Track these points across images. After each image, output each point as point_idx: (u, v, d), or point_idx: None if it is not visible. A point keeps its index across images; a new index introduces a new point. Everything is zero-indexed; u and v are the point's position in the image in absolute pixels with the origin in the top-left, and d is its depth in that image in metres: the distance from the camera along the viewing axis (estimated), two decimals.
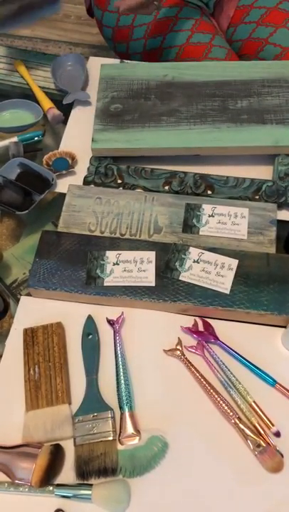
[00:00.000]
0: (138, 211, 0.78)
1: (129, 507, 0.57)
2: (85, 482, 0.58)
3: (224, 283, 0.69)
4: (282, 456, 0.60)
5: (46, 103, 0.93)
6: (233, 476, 0.59)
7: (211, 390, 0.63)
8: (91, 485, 0.57)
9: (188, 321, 0.69)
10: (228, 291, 0.68)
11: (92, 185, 0.82)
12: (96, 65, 0.96)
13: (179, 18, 1.01)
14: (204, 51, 0.99)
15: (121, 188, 0.81)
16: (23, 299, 0.72)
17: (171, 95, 0.86)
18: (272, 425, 0.61)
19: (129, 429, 0.61)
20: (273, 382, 0.64)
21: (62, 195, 0.81)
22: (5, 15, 0.69)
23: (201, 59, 0.99)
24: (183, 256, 0.72)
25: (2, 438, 0.61)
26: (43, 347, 0.66)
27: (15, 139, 0.86)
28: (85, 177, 0.83)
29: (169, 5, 1.02)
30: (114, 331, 0.68)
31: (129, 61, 0.97)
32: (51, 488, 0.58)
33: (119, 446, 0.61)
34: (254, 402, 0.63)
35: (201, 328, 0.69)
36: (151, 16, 1.01)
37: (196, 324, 0.69)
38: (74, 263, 0.72)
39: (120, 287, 0.70)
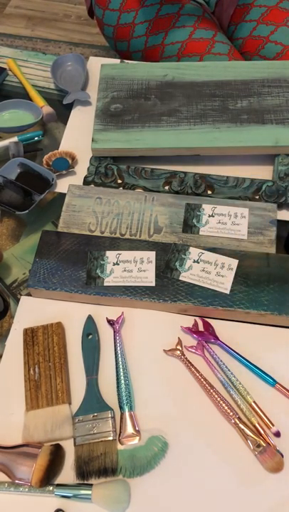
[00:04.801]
0: (138, 211, 0.78)
1: (129, 507, 0.57)
2: (85, 482, 0.58)
3: (224, 283, 0.69)
4: (282, 456, 0.60)
5: (39, 101, 0.93)
6: (233, 476, 0.59)
7: (211, 390, 0.63)
8: (91, 485, 0.57)
9: (188, 321, 0.69)
10: (228, 291, 0.68)
11: (92, 185, 0.82)
12: (96, 65, 0.96)
13: (181, 14, 1.01)
14: (207, 46, 0.99)
15: (121, 188, 0.81)
16: (23, 299, 0.72)
17: (171, 95, 0.86)
18: (272, 425, 0.61)
19: (129, 429, 0.61)
20: (273, 382, 0.64)
21: (62, 195, 0.81)
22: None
23: (204, 54, 0.99)
24: (183, 256, 0.72)
25: (2, 438, 0.61)
26: (43, 347, 0.66)
27: (15, 139, 0.86)
28: (85, 177, 0.83)
29: (171, 2, 1.02)
30: (114, 331, 0.68)
31: (129, 61, 0.97)
32: (51, 488, 0.58)
33: (119, 446, 0.61)
34: (254, 402, 0.63)
35: (201, 328, 0.69)
36: (152, 13, 1.01)
37: (196, 324, 0.69)
38: (74, 263, 0.72)
39: (120, 287, 0.70)
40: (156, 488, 0.58)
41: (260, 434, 0.61)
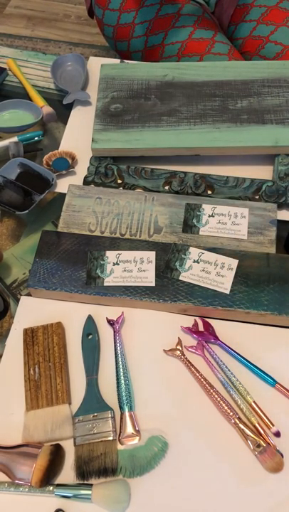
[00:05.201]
0: (138, 211, 0.78)
1: (129, 507, 0.57)
2: (85, 482, 0.58)
3: (224, 283, 0.69)
4: (282, 456, 0.60)
5: (39, 101, 0.93)
6: (233, 476, 0.59)
7: (211, 390, 0.63)
8: (91, 485, 0.57)
9: (188, 321, 0.69)
10: (228, 291, 0.68)
11: (92, 185, 0.82)
12: (96, 65, 0.96)
13: (181, 14, 1.01)
14: (207, 46, 0.99)
15: (121, 188, 0.81)
16: (23, 299, 0.72)
17: (171, 95, 0.86)
18: (272, 425, 0.61)
19: (129, 429, 0.61)
20: (273, 382, 0.64)
21: (63, 195, 0.81)
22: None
23: (204, 54, 0.99)
24: (183, 256, 0.72)
25: (2, 438, 0.61)
26: (43, 347, 0.67)
27: (15, 139, 0.86)
28: (85, 177, 0.83)
29: (171, 2, 1.02)
30: (114, 331, 0.68)
31: (129, 61, 0.97)
32: (51, 488, 0.58)
33: (119, 446, 0.61)
34: (254, 402, 0.63)
35: (201, 328, 0.69)
36: (152, 13, 1.01)
37: (196, 324, 0.69)
38: (74, 263, 0.72)
39: (120, 287, 0.70)
40: (156, 488, 0.58)
41: (260, 434, 0.61)
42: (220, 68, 0.89)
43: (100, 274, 0.71)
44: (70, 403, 0.64)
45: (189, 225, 0.76)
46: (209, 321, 0.69)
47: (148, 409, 0.63)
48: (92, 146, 0.82)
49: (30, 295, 0.72)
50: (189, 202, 0.78)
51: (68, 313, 0.70)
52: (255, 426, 0.61)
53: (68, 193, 0.80)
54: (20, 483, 0.58)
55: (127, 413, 0.62)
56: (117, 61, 0.97)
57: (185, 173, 0.81)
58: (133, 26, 1.04)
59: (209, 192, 0.81)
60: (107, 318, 0.69)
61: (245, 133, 0.81)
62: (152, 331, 0.69)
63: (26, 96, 0.95)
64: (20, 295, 0.73)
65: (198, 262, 0.71)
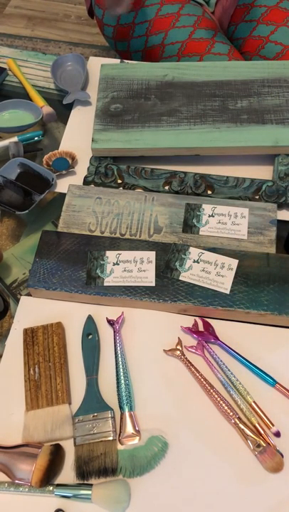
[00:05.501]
0: (138, 211, 0.78)
1: (129, 507, 0.57)
2: (85, 482, 0.58)
3: (224, 283, 0.69)
4: (282, 456, 0.60)
5: (39, 101, 0.93)
6: (233, 476, 0.59)
7: (211, 390, 0.63)
8: (91, 485, 0.57)
9: (188, 321, 0.69)
10: (228, 291, 0.68)
11: (92, 185, 0.82)
12: (96, 65, 0.96)
13: (181, 14, 1.02)
14: (207, 46, 0.99)
15: (121, 188, 0.81)
16: (23, 299, 0.72)
17: (171, 95, 0.86)
18: (272, 425, 0.61)
19: (129, 429, 0.61)
20: (273, 382, 0.64)
21: (62, 195, 0.81)
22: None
23: (204, 54, 0.99)
24: (183, 256, 0.72)
25: (2, 438, 0.61)
26: (43, 347, 0.67)
27: (15, 139, 0.86)
28: (85, 177, 0.83)
29: (171, 2, 1.02)
30: (114, 331, 0.68)
31: (129, 61, 0.97)
32: (51, 488, 0.58)
33: (119, 446, 0.61)
34: (254, 402, 0.63)
35: (201, 328, 0.69)
36: (152, 13, 1.01)
37: (196, 324, 0.69)
38: (74, 263, 0.72)
39: (120, 287, 0.70)
40: (156, 488, 0.58)
41: (260, 434, 0.61)
42: (220, 68, 0.89)
43: (100, 274, 0.71)
44: (70, 403, 0.64)
45: (189, 225, 0.76)
46: (209, 321, 0.69)
47: (148, 409, 0.63)
48: (92, 146, 0.82)
49: (30, 295, 0.72)
50: (189, 202, 0.78)
51: (68, 313, 0.70)
52: (255, 426, 0.61)
53: (68, 193, 0.80)
54: (20, 483, 0.58)
55: (127, 413, 0.62)
56: (117, 61, 0.97)
57: (185, 173, 0.81)
58: (133, 26, 1.05)
59: (209, 192, 0.81)
60: (107, 318, 0.70)
61: (245, 133, 0.81)
62: (152, 331, 0.69)
63: (26, 96, 0.95)
64: (21, 295, 0.73)
65: (198, 262, 0.71)
